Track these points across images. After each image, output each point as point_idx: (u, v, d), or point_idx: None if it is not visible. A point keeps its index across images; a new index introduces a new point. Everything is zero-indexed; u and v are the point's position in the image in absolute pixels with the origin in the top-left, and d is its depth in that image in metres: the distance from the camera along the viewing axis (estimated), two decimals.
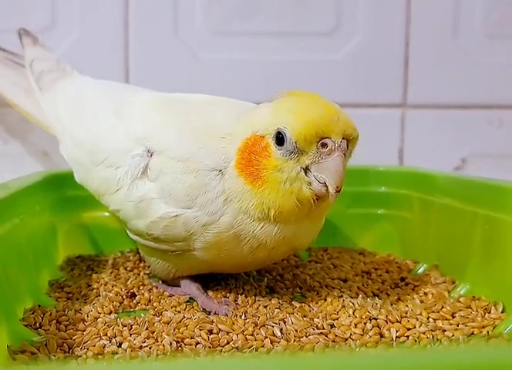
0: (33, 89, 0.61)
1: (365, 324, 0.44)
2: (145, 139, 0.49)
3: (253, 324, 0.43)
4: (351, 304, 0.47)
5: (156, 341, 0.41)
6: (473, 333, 0.43)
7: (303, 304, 0.48)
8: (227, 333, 0.42)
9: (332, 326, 0.44)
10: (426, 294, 0.51)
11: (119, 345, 0.41)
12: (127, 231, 0.53)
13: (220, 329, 0.43)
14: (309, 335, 0.42)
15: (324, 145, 0.42)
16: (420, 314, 0.46)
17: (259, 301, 0.49)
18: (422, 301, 0.49)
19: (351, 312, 0.46)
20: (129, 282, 0.53)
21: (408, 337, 0.43)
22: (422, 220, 0.59)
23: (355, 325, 0.44)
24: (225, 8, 0.73)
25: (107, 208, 0.53)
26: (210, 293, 0.51)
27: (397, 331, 0.43)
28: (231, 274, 0.54)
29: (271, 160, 0.43)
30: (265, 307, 0.48)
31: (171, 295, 0.51)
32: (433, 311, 0.46)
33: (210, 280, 0.53)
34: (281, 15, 0.73)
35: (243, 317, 0.45)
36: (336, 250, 0.64)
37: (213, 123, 0.48)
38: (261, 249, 0.46)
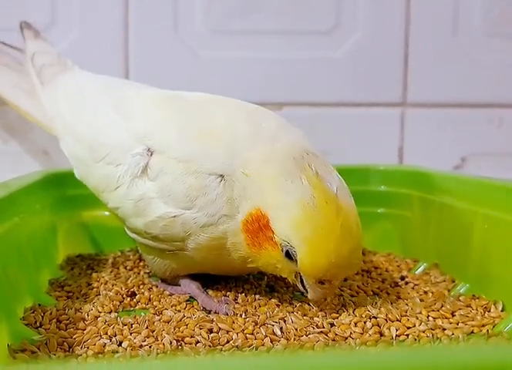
0: (34, 86, 0.61)
1: (365, 322, 0.44)
2: (146, 138, 0.48)
3: (253, 323, 0.43)
4: (351, 302, 0.47)
5: (157, 339, 0.41)
6: (472, 332, 0.43)
7: (303, 303, 0.48)
8: (227, 332, 0.42)
9: (332, 325, 0.44)
10: (425, 292, 0.51)
11: (120, 344, 0.41)
12: (125, 229, 0.52)
13: (220, 328, 0.43)
14: (309, 334, 0.42)
15: (322, 283, 0.43)
16: (420, 313, 0.45)
17: (259, 299, 0.49)
18: (422, 300, 0.49)
19: (351, 311, 0.46)
20: (129, 281, 0.54)
21: (408, 335, 0.43)
22: (422, 218, 0.59)
23: (355, 324, 0.44)
24: (225, 6, 0.73)
25: (107, 207, 0.53)
26: (210, 292, 0.51)
27: (397, 330, 0.43)
28: None
29: (274, 252, 0.43)
30: (265, 305, 0.48)
31: (171, 294, 0.51)
32: (433, 310, 0.46)
33: (210, 279, 0.53)
34: (281, 14, 0.73)
35: (243, 316, 0.45)
36: None
37: (213, 123, 0.48)
38: (241, 264, 0.47)
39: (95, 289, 0.52)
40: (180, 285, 0.52)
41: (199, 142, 0.47)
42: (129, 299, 0.50)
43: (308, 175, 0.43)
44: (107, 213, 0.61)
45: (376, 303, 0.47)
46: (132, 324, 0.43)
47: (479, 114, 0.75)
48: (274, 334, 0.42)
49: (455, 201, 0.53)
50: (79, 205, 0.62)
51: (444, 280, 0.53)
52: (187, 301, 0.50)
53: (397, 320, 0.44)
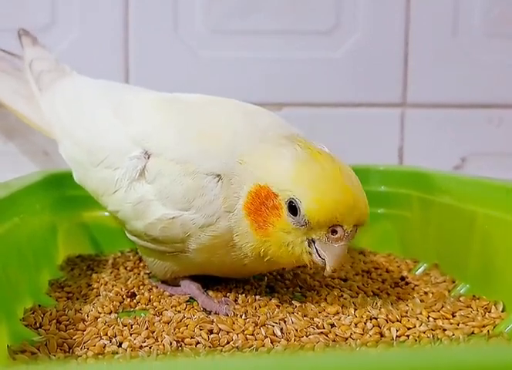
0: (33, 92, 0.61)
1: (365, 323, 0.44)
2: (144, 141, 0.48)
3: (253, 324, 0.43)
4: (351, 303, 0.47)
5: (157, 340, 0.41)
6: (473, 332, 0.43)
7: (303, 304, 0.48)
8: (228, 333, 0.42)
9: (332, 325, 0.44)
10: (426, 293, 0.51)
11: (120, 345, 0.41)
12: (125, 232, 0.53)
13: (220, 329, 0.43)
14: (309, 335, 0.42)
15: (334, 231, 0.42)
16: (420, 314, 0.45)
17: (259, 300, 0.49)
18: (422, 301, 0.49)
19: (351, 312, 0.46)
20: (129, 282, 0.53)
21: (408, 336, 0.43)
22: (422, 219, 0.59)
23: (356, 325, 0.44)
24: (225, 7, 0.73)
25: (107, 210, 0.53)
26: (211, 292, 0.51)
27: (397, 331, 0.43)
28: None
29: (280, 221, 0.43)
30: (265, 306, 0.48)
31: (171, 295, 0.51)
32: (433, 311, 0.46)
33: (210, 279, 0.53)
34: (281, 14, 0.73)
35: (243, 316, 0.45)
36: None
37: (213, 125, 0.48)
38: (253, 261, 0.46)
39: (95, 290, 0.52)
40: (180, 286, 0.52)
41: (197, 143, 0.47)
42: (129, 300, 0.50)
43: (300, 144, 0.44)
44: (107, 213, 0.60)
45: (376, 303, 0.47)
46: (132, 325, 0.43)
47: (479, 114, 0.75)
48: (275, 334, 0.42)
49: (455, 201, 0.53)
50: (79, 205, 0.62)
51: (444, 281, 0.53)
52: (187, 301, 0.49)
53: (397, 320, 0.44)
